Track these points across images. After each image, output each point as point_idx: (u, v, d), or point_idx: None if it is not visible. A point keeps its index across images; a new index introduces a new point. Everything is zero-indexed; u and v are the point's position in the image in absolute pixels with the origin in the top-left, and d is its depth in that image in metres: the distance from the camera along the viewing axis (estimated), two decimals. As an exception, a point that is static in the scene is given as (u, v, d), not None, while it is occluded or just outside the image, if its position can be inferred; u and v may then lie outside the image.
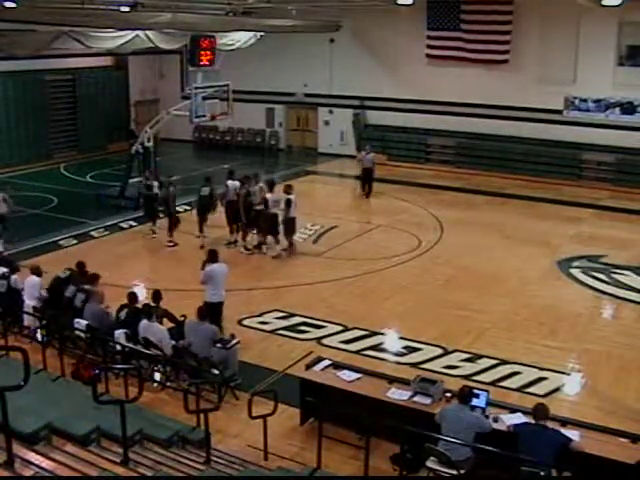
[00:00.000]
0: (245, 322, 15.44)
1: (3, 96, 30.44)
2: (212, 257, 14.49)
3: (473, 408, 9.68)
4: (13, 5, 18.38)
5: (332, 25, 31.75)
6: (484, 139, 30.55)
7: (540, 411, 9.30)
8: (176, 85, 36.70)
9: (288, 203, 19.59)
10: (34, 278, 14.61)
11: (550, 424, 9.27)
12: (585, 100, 28.13)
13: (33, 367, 9.27)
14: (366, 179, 27.24)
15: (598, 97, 27.85)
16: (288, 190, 19.96)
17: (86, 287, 13.99)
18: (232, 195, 20.32)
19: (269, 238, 20.11)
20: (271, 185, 20.22)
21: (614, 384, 13.02)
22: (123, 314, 13.33)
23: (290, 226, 19.93)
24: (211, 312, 13.41)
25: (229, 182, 20.84)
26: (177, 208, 21.54)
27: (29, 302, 14.26)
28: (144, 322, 12.72)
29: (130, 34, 24.20)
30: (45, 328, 13.59)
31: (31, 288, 14.46)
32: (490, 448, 9.06)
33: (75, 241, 20.78)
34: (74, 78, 33.67)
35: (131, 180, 24.95)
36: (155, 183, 21.46)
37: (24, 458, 7.25)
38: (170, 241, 20.58)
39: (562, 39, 28.28)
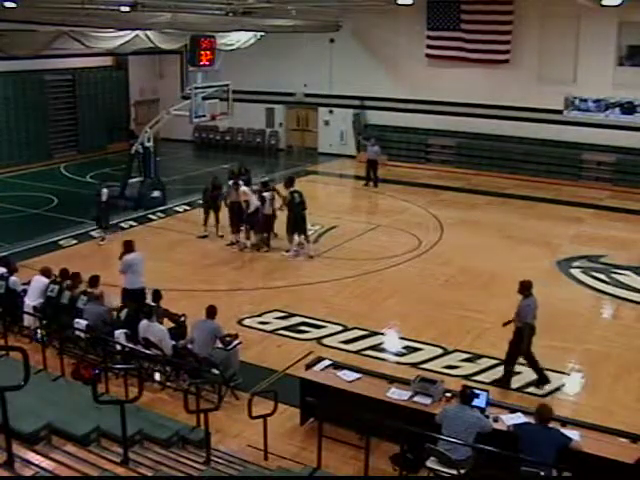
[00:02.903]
0: (245, 322, 15.44)
1: (3, 96, 30.42)
2: (128, 247, 15.15)
3: (473, 408, 9.69)
4: (13, 5, 18.38)
5: (332, 25, 31.74)
6: (484, 139, 30.55)
7: (544, 413, 9.29)
8: (176, 85, 36.69)
9: (262, 200, 20.01)
10: (42, 279, 14.60)
11: (550, 424, 9.28)
12: (585, 100, 28.13)
13: (33, 367, 9.30)
14: (370, 170, 27.76)
15: (598, 97, 27.85)
16: (266, 187, 20.43)
17: (87, 290, 14.03)
18: (235, 196, 20.43)
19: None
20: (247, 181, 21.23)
21: (614, 384, 13.03)
22: (123, 314, 13.34)
23: (265, 223, 20.20)
24: (132, 299, 14.26)
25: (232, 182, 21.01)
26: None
27: (29, 302, 14.25)
28: (144, 322, 12.72)
29: (130, 34, 24.22)
30: (45, 328, 13.61)
31: (36, 289, 14.45)
32: (490, 448, 9.07)
33: (75, 241, 20.78)
34: (74, 78, 33.66)
35: (131, 180, 24.96)
36: (104, 190, 21.01)
37: (24, 458, 7.26)
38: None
39: (562, 39, 28.29)
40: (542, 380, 12.85)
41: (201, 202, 22.21)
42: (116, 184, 24.29)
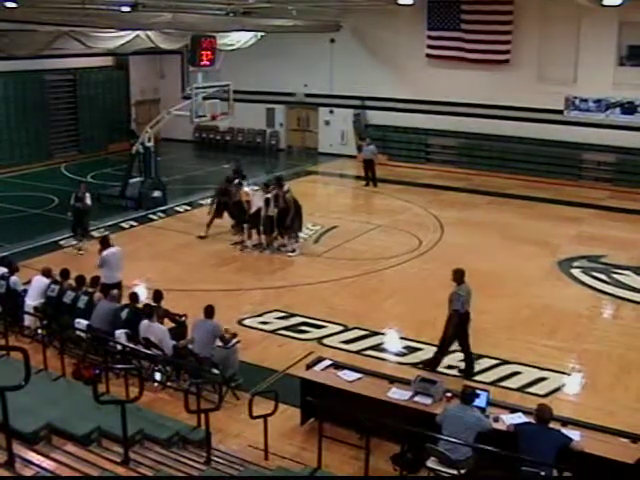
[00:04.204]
0: (246, 322, 15.44)
1: (3, 96, 30.42)
2: (105, 243, 15.77)
3: (473, 408, 9.69)
4: (14, 5, 18.38)
5: (332, 25, 31.76)
6: (485, 139, 30.55)
7: (544, 413, 9.27)
8: (177, 85, 36.73)
9: (267, 202, 19.97)
10: (43, 279, 14.62)
11: (551, 424, 9.27)
12: (585, 100, 28.12)
13: (34, 367, 9.29)
14: (367, 170, 27.97)
15: (598, 97, 27.84)
16: (266, 189, 20.40)
17: (89, 290, 14.08)
18: (239, 195, 20.47)
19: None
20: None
21: (614, 384, 13.04)
22: (124, 314, 13.34)
23: (267, 223, 20.18)
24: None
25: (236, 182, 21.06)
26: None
27: (30, 302, 14.27)
28: (145, 322, 12.74)
29: (131, 34, 24.24)
30: (46, 328, 13.62)
31: (37, 289, 14.47)
32: (490, 448, 9.07)
33: (75, 241, 20.73)
34: (75, 78, 33.66)
35: (132, 180, 24.98)
36: (87, 195, 20.58)
37: (24, 458, 7.26)
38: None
39: (563, 39, 28.28)
40: (468, 370, 13.27)
41: (209, 202, 22.12)
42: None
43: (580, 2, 23.34)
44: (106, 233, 20.35)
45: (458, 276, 13.10)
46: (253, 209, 20.14)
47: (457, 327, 13.01)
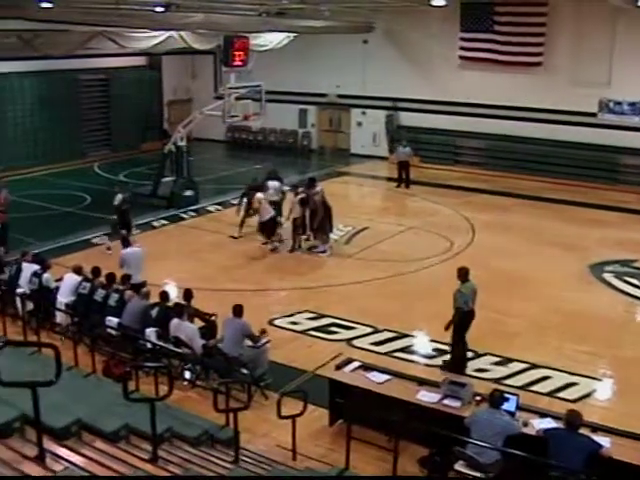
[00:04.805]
0: (276, 322, 15.48)
1: (37, 95, 30.74)
2: (124, 242, 16.28)
3: (502, 412, 9.62)
4: (50, 5, 18.55)
5: (365, 26, 31.69)
6: (516, 141, 30.31)
7: (574, 419, 9.18)
8: (209, 85, 36.82)
9: (301, 202, 20.05)
10: (74, 277, 14.76)
11: (581, 430, 9.18)
12: (620, 103, 27.82)
13: (65, 363, 9.35)
14: (402, 171, 28.07)
15: (633, 100, 27.54)
16: (295, 190, 20.57)
17: (120, 287, 14.18)
18: (272, 196, 20.49)
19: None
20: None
21: (646, 390, 12.90)
22: (154, 312, 13.41)
23: (298, 224, 20.28)
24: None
25: (269, 183, 21.02)
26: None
27: (62, 300, 14.40)
28: (175, 321, 12.80)
29: (164, 34, 24.35)
30: (77, 325, 13.74)
31: (68, 286, 14.61)
32: (519, 453, 9.00)
33: (111, 240, 20.87)
34: (108, 78, 33.97)
35: (164, 179, 25.12)
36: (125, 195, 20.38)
37: (55, 453, 7.31)
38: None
39: (597, 41, 27.98)
40: (458, 367, 13.09)
41: (237, 202, 22.21)
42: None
43: (615, 3, 23.11)
44: (137, 231, 20.61)
45: (462, 274, 13.07)
46: (264, 217, 20.02)
47: (461, 325, 13.02)
